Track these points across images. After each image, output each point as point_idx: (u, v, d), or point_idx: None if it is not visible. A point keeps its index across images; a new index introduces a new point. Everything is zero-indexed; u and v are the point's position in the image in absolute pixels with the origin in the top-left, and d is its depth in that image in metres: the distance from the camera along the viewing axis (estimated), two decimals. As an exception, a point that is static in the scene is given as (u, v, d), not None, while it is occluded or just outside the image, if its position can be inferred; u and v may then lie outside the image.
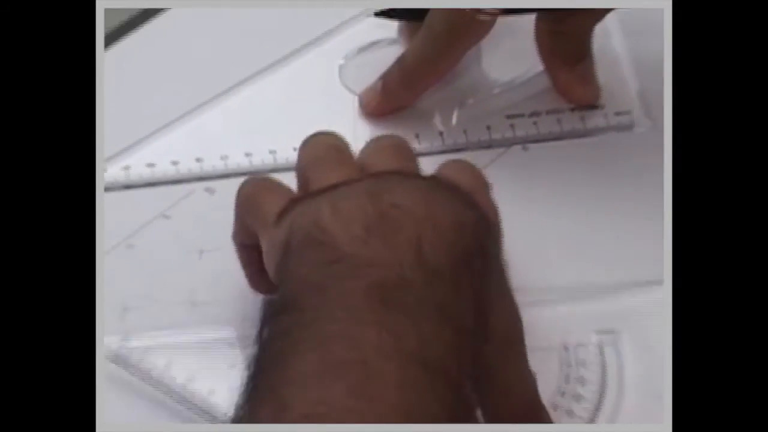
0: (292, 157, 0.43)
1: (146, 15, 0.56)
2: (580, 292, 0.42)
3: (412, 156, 0.39)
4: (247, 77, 0.52)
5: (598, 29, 0.49)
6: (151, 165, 0.48)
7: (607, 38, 0.52)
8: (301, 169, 0.39)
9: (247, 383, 0.31)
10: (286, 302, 0.33)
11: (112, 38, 0.54)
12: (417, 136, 0.47)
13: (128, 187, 0.48)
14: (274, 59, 0.53)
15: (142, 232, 0.45)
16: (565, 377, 0.39)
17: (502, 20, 0.46)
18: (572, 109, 0.49)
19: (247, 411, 0.31)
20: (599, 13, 0.48)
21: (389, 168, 0.37)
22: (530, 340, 0.36)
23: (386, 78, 0.49)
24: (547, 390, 0.38)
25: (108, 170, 0.48)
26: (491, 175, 0.39)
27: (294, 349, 0.31)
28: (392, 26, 0.51)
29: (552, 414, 0.38)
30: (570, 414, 0.39)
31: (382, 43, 0.52)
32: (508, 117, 0.49)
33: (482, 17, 0.45)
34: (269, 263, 0.36)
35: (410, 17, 0.49)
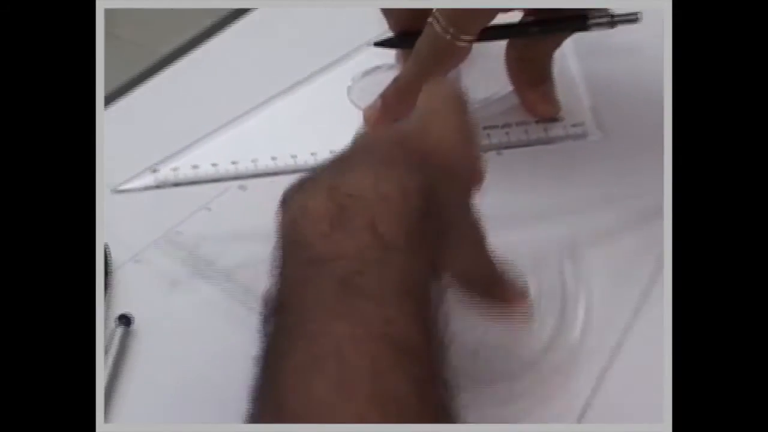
0: (311, 160, 0.50)
1: (194, 42, 0.60)
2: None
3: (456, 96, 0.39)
4: (273, 95, 0.55)
5: (557, 53, 0.51)
6: (195, 167, 0.51)
7: (564, 61, 0.54)
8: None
9: (253, 382, 0.31)
10: (276, 304, 0.32)
11: (152, 71, 0.58)
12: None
13: (176, 185, 0.51)
14: (295, 81, 0.56)
15: (188, 221, 0.48)
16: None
17: (477, 46, 0.47)
18: (537, 122, 0.52)
19: (251, 412, 0.30)
20: (558, 41, 0.50)
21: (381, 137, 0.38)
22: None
23: (385, 95, 0.50)
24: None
25: (160, 171, 0.51)
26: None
27: (283, 350, 0.30)
28: (390, 54, 0.53)
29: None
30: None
31: (383, 68, 0.55)
32: (485, 128, 0.52)
33: (460, 44, 0.46)
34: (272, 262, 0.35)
35: (403, 46, 0.51)
